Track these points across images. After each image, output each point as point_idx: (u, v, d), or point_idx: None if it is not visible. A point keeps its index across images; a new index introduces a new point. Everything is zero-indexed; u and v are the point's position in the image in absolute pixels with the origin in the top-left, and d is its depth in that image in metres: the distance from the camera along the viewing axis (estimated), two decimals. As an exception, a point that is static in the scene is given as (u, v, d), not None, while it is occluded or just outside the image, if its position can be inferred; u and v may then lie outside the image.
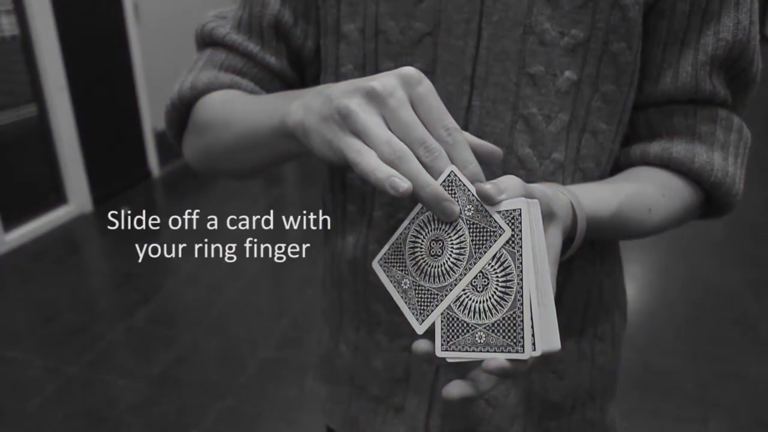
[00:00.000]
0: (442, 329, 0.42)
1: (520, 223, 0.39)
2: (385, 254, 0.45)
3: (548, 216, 0.44)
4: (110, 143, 3.70)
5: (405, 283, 0.44)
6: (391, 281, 0.45)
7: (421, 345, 0.42)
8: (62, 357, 2.21)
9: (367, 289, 0.62)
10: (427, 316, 0.43)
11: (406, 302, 0.44)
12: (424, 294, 0.43)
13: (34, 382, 2.10)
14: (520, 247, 0.39)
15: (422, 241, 0.43)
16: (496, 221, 0.40)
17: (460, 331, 0.41)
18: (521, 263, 0.39)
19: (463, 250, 0.41)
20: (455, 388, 0.41)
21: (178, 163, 4.06)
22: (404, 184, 0.39)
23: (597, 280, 0.62)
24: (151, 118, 3.97)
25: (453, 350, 0.41)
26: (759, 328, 2.36)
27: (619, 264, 0.68)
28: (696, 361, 2.16)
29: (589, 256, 0.61)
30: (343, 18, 0.57)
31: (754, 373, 2.11)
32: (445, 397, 0.41)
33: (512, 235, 0.39)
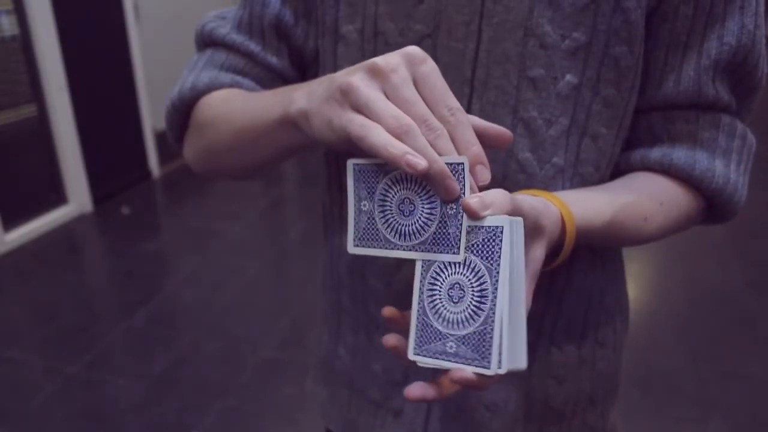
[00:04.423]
0: (416, 333, 0.42)
1: (501, 240, 0.39)
2: (362, 165, 0.44)
3: (535, 230, 0.44)
4: (110, 143, 3.70)
5: (364, 206, 0.44)
6: (354, 193, 0.45)
7: (390, 340, 0.43)
8: (62, 357, 2.21)
9: (365, 292, 0.62)
10: (364, 247, 0.44)
11: (355, 220, 0.44)
12: (373, 231, 0.44)
13: (34, 382, 2.10)
14: (498, 264, 0.39)
15: (393, 195, 0.43)
16: (459, 239, 0.41)
17: (433, 338, 0.42)
18: (497, 281, 0.39)
19: (423, 231, 0.42)
20: (417, 389, 0.42)
21: (178, 163, 4.07)
22: (422, 162, 0.38)
23: (598, 285, 0.62)
24: (151, 118, 3.97)
25: (424, 355, 0.42)
26: (759, 328, 2.36)
27: (621, 269, 0.67)
28: (696, 361, 2.16)
29: (590, 261, 0.61)
30: (342, 19, 0.57)
31: (754, 373, 2.11)
32: (406, 396, 0.42)
33: (466, 260, 0.40)
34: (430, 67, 0.41)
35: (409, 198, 0.42)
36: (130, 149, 3.91)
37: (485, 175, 0.41)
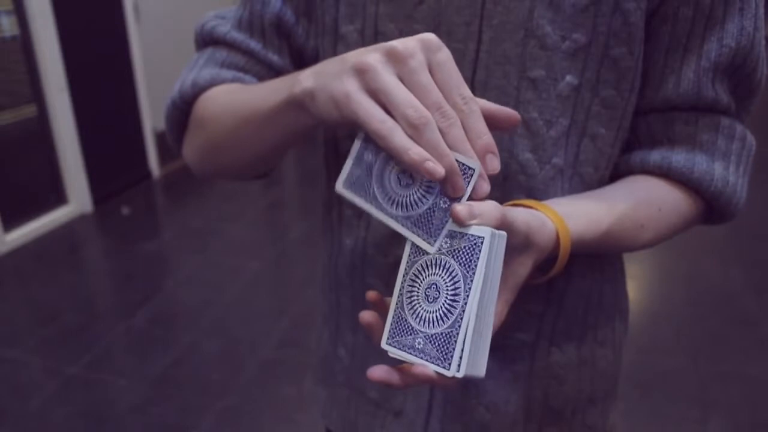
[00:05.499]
0: (391, 325, 0.44)
1: (480, 251, 0.40)
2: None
3: (525, 246, 0.45)
4: (110, 143, 3.70)
5: (367, 156, 0.44)
6: (362, 143, 0.44)
7: (366, 316, 0.45)
8: (62, 357, 2.21)
9: (365, 292, 0.62)
10: (350, 192, 0.44)
11: (352, 163, 0.44)
12: (365, 182, 0.44)
13: (34, 382, 2.10)
14: (474, 273, 0.41)
15: (389, 173, 0.44)
16: (439, 232, 0.42)
17: (405, 332, 0.44)
18: (470, 288, 0.41)
19: (410, 209, 0.43)
20: (380, 372, 0.43)
21: (178, 163, 4.06)
22: (441, 170, 0.39)
23: (597, 284, 0.62)
24: (151, 118, 3.97)
25: (394, 347, 0.44)
26: (759, 328, 2.36)
27: (621, 269, 0.67)
28: (696, 361, 2.16)
29: (589, 262, 0.61)
30: (342, 19, 0.57)
31: (754, 373, 2.11)
32: (369, 376, 0.43)
33: (446, 263, 0.42)
34: (445, 55, 0.41)
35: (410, 171, 0.43)
36: (130, 149, 3.91)
37: (495, 164, 0.42)
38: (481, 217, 0.41)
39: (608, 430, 0.69)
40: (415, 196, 0.43)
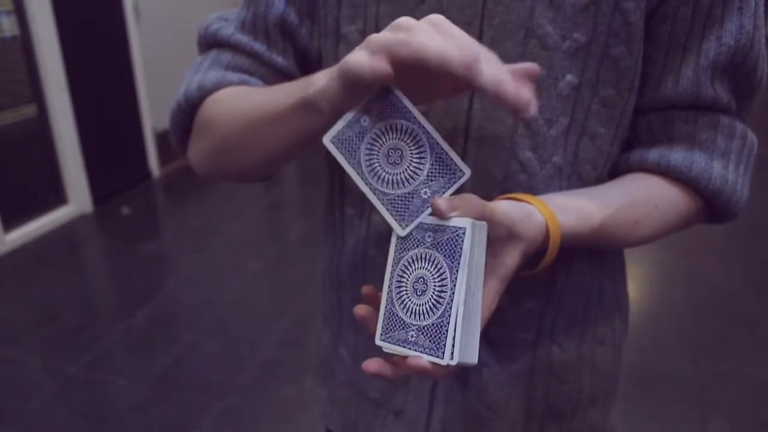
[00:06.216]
0: (383, 321, 0.45)
1: (462, 242, 0.42)
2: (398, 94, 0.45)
3: (508, 237, 0.46)
4: (110, 143, 3.71)
5: (364, 121, 0.44)
6: (365, 104, 0.44)
7: (360, 309, 0.45)
8: (62, 357, 2.21)
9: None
10: (338, 150, 0.44)
11: (347, 123, 0.44)
12: (355, 147, 0.44)
13: (34, 382, 2.10)
14: (458, 263, 0.42)
15: (391, 138, 0.44)
16: (413, 218, 0.43)
17: (397, 326, 0.45)
18: (456, 278, 0.42)
19: (392, 187, 0.43)
20: (373, 364, 0.44)
21: (178, 163, 4.07)
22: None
23: (597, 282, 0.62)
24: (151, 118, 3.97)
25: (389, 342, 0.45)
26: (759, 328, 2.36)
27: (621, 267, 0.67)
28: (696, 361, 2.16)
29: (589, 259, 0.61)
30: (344, 19, 0.57)
31: (754, 373, 2.11)
32: (364, 369, 0.44)
33: (431, 256, 0.43)
34: (456, 28, 0.40)
35: (402, 151, 0.43)
36: (130, 149, 3.91)
37: (526, 94, 0.40)
38: (461, 209, 0.42)
39: (608, 429, 0.69)
40: (399, 177, 0.43)
